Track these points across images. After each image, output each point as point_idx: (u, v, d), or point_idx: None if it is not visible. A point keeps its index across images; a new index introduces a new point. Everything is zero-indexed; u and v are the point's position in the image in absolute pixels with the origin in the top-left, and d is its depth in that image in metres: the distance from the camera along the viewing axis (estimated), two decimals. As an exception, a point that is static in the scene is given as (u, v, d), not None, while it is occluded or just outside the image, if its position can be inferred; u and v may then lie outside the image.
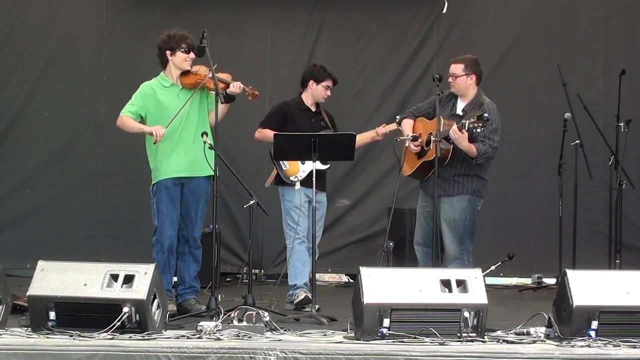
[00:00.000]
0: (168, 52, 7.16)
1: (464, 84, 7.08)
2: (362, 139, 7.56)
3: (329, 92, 7.60)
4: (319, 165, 7.20)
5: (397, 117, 7.41)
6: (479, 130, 6.75)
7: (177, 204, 7.12)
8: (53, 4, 9.83)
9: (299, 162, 7.43)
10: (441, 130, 6.82)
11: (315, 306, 6.78)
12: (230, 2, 9.77)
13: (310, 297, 7.08)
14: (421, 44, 9.57)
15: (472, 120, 6.75)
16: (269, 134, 7.42)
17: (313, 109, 7.63)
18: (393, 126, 7.53)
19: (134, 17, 9.79)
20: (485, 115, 6.71)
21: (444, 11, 9.45)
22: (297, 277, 7.43)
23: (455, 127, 6.77)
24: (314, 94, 7.59)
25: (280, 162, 7.45)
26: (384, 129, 7.54)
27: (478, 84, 7.15)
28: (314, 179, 6.94)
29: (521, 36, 9.55)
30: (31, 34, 9.76)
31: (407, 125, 7.22)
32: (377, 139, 7.64)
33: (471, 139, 6.86)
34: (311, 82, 7.58)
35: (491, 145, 6.93)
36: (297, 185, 7.42)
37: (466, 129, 6.75)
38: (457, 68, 7.11)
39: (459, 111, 7.08)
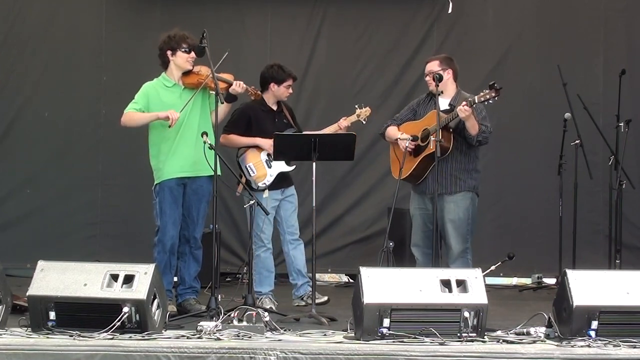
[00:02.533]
0: (169, 53, 7.16)
1: (443, 80, 7.06)
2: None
3: (290, 90, 7.61)
4: (284, 167, 7.34)
5: (380, 130, 7.40)
6: (491, 102, 6.77)
7: (180, 205, 7.12)
8: (53, 4, 9.81)
9: (266, 166, 7.42)
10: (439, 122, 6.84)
11: (324, 297, 6.78)
12: (230, 0, 9.76)
13: (274, 308, 7.16)
14: (421, 43, 9.55)
15: (483, 92, 6.77)
16: (233, 139, 7.49)
17: (274, 107, 7.61)
18: (353, 118, 7.55)
19: (134, 17, 9.78)
20: (496, 84, 6.72)
21: (450, 11, 9.42)
22: (263, 285, 7.44)
23: (463, 104, 6.76)
24: (277, 94, 7.57)
25: (248, 167, 7.44)
26: (345, 122, 7.53)
27: (456, 80, 7.17)
28: (314, 181, 6.95)
29: (521, 36, 9.54)
30: (31, 34, 9.75)
31: (394, 131, 7.23)
32: (340, 132, 7.54)
33: (464, 128, 6.91)
34: (272, 84, 7.55)
35: (487, 128, 7.00)
36: (266, 193, 7.42)
37: (476, 103, 6.78)
38: (432, 65, 7.16)
39: (445, 106, 7.06)
